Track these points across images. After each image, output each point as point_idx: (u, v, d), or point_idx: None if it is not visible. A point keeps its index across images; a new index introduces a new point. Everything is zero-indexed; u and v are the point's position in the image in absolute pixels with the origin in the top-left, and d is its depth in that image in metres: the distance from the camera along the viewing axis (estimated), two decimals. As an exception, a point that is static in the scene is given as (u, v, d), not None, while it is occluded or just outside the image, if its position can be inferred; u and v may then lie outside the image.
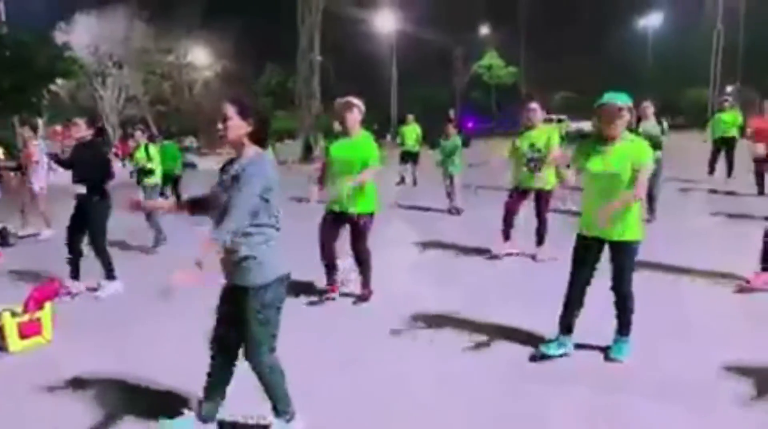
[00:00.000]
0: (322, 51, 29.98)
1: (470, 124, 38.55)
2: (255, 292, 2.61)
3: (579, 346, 3.67)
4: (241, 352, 2.72)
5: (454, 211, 9.34)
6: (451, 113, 39.36)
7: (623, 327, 3.56)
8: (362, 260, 4.85)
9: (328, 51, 34.38)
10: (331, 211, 4.77)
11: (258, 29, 35.83)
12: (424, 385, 3.38)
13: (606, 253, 3.50)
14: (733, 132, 10.97)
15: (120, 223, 5.86)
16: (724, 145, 11.05)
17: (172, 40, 36.68)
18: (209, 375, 2.82)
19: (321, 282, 5.08)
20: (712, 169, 11.17)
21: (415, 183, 13.40)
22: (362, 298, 4.92)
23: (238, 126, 2.60)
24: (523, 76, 45.98)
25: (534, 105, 5.90)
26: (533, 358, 3.64)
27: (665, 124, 7.77)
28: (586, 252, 3.52)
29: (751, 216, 7.75)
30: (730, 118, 11.03)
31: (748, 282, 4.75)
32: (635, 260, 3.46)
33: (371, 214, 4.75)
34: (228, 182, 2.59)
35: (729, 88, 34.98)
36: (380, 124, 33.52)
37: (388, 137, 29.73)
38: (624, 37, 44.81)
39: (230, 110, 2.59)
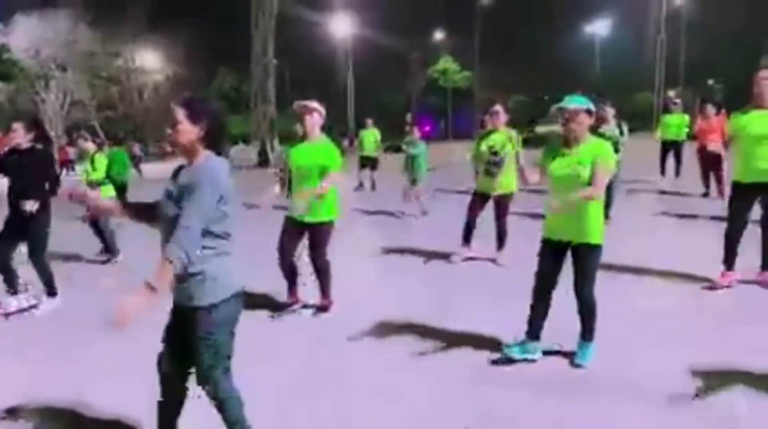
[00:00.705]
0: (277, 54, 29.54)
1: (427, 128, 38.82)
2: (205, 312, 2.40)
3: (548, 353, 3.61)
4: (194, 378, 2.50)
5: (419, 214, 9.29)
6: (408, 117, 39.55)
7: (587, 332, 3.52)
8: (321, 270, 4.66)
9: (283, 55, 33.96)
10: (290, 219, 4.57)
11: (210, 33, 35.15)
12: (391, 394, 3.25)
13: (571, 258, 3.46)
14: (680, 135, 11.33)
15: (66, 232, 5.50)
16: (672, 147, 11.40)
17: (119, 44, 35.53)
18: (160, 404, 2.59)
19: (281, 294, 4.87)
20: (663, 170, 11.50)
21: (373, 188, 13.29)
22: (322, 309, 4.75)
23: (188, 131, 2.40)
24: (478, 81, 46.69)
25: (498, 108, 5.87)
26: (495, 362, 3.58)
27: (624, 127, 7.89)
28: (550, 257, 3.48)
29: (699, 216, 7.99)
30: (676, 121, 11.40)
31: (711, 282, 4.82)
32: (599, 263, 3.43)
33: (331, 222, 4.58)
34: (178, 192, 2.37)
35: (671, 92, 36.52)
36: (338, 129, 33.34)
37: (346, 142, 29.58)
38: (573, 43, 46.22)
39: (180, 114, 2.40)
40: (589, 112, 3.32)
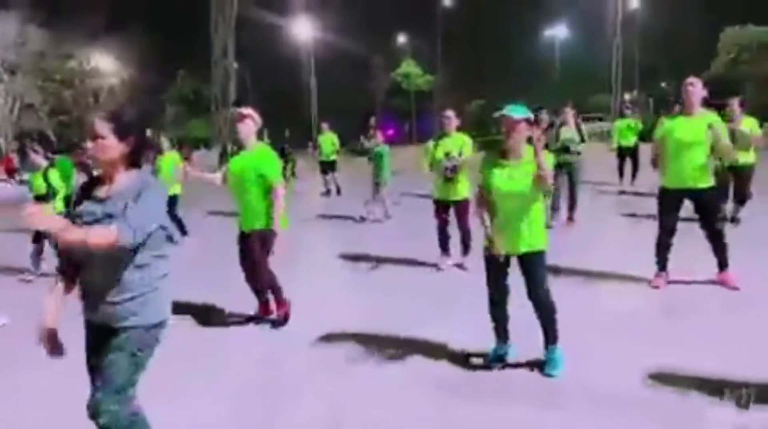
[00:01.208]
0: (238, 57, 29.19)
1: (390, 132, 38.86)
2: (143, 331, 2.30)
3: (515, 366, 3.58)
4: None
5: (383, 218, 9.23)
6: (372, 121, 39.42)
7: (550, 336, 3.48)
8: (264, 285, 4.46)
9: (244, 58, 33.51)
10: (240, 232, 4.44)
11: (168, 35, 34.33)
12: (355, 406, 3.16)
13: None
14: (634, 139, 11.62)
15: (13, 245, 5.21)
16: (628, 151, 11.67)
17: (72, 45, 34.31)
18: None
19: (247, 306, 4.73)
20: (621, 174, 11.76)
21: (338, 192, 13.20)
22: (278, 322, 4.52)
23: (112, 146, 2.25)
24: (440, 85, 47.04)
25: (449, 113, 5.86)
26: (484, 366, 3.56)
27: (584, 130, 8.00)
28: (497, 267, 3.45)
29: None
30: (630, 126, 11.69)
31: (655, 285, 4.89)
32: (546, 267, 3.42)
33: (271, 231, 4.31)
34: (107, 212, 2.21)
35: (627, 96, 37.55)
36: (301, 133, 33.06)
37: (310, 146, 29.35)
38: (533, 47, 47.07)
39: (104, 128, 2.24)
40: (528, 121, 3.28)
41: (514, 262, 3.46)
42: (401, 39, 48.89)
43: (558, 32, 46.52)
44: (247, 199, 4.31)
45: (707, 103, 4.77)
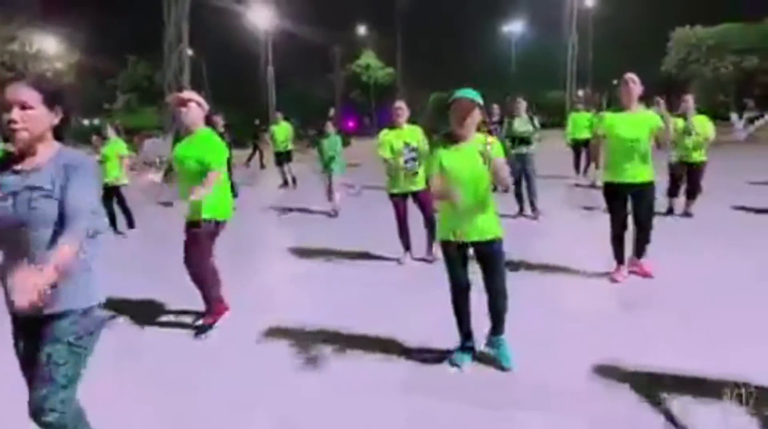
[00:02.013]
0: (193, 44, 28.27)
1: (351, 124, 38.61)
2: (73, 317, 2.09)
3: (482, 360, 3.51)
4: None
5: (333, 212, 9.03)
6: (331, 112, 39.03)
7: (497, 325, 3.41)
8: (198, 280, 4.15)
9: (199, 45, 32.50)
10: (185, 223, 4.17)
11: (118, 18, 32.98)
12: (317, 407, 3.02)
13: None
14: (588, 132, 11.81)
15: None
16: (582, 145, 11.87)
17: (14, 27, 32.49)
18: None
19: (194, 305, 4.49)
20: (577, 168, 11.95)
21: (294, 183, 12.94)
22: (204, 326, 4.17)
23: (42, 117, 2.03)
24: (400, 77, 46.99)
25: (401, 104, 5.74)
26: (451, 363, 3.47)
27: (536, 120, 8.03)
28: (454, 256, 3.37)
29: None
30: (584, 120, 11.89)
31: (614, 279, 4.93)
32: (503, 255, 3.34)
33: (214, 222, 4.07)
34: (36, 194, 1.99)
35: (580, 92, 38.43)
36: (258, 122, 32.38)
37: (267, 136, 28.81)
38: (491, 42, 47.58)
39: (32, 97, 2.00)
40: (480, 107, 3.22)
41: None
42: (361, 30, 48.49)
43: (514, 28, 47.14)
44: (190, 186, 4.02)
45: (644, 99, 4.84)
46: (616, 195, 4.82)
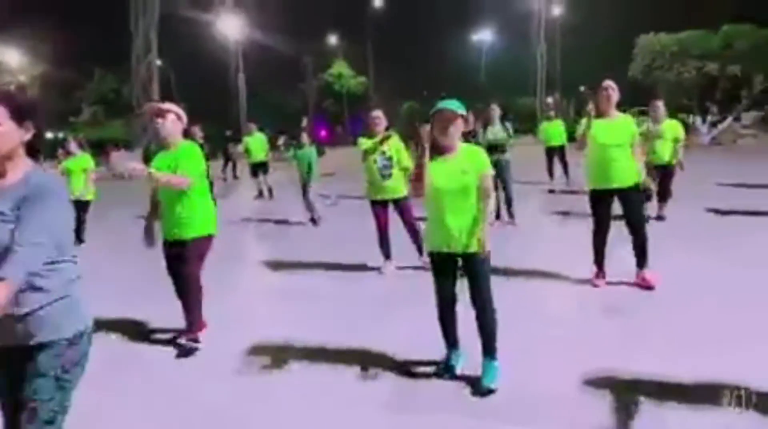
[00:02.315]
0: (162, 55, 27.88)
1: (323, 133, 38.47)
2: (57, 348, 1.95)
3: (466, 375, 3.46)
4: None
5: (314, 221, 8.95)
6: (304, 122, 38.84)
7: (489, 346, 3.32)
8: (186, 296, 4.04)
9: (168, 56, 32.07)
10: (165, 241, 4.05)
11: (84, 29, 32.31)
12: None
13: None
14: (561, 139, 12.03)
15: None
16: (555, 152, 12.07)
17: (-26, 39, 31.59)
18: None
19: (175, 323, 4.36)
20: (551, 174, 12.12)
21: (270, 194, 12.79)
22: (186, 350, 4.00)
23: (11, 133, 1.91)
24: (373, 86, 47.16)
25: (378, 113, 5.73)
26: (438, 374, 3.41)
27: (510, 127, 8.08)
28: (441, 269, 3.32)
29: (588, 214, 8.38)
30: (555, 128, 12.11)
31: (595, 284, 4.95)
32: (490, 271, 3.29)
33: (205, 238, 3.98)
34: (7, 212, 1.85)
35: (549, 99, 39.14)
36: (230, 133, 32.05)
37: (239, 147, 28.51)
38: (461, 50, 48.14)
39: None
40: (464, 117, 3.21)
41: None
42: (332, 40, 48.53)
43: (484, 37, 47.82)
44: (173, 205, 3.92)
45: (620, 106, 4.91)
46: (601, 201, 4.84)
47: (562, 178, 11.88)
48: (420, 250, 5.77)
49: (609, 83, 4.74)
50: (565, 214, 8.64)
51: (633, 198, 4.77)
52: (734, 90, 25.60)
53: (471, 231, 3.22)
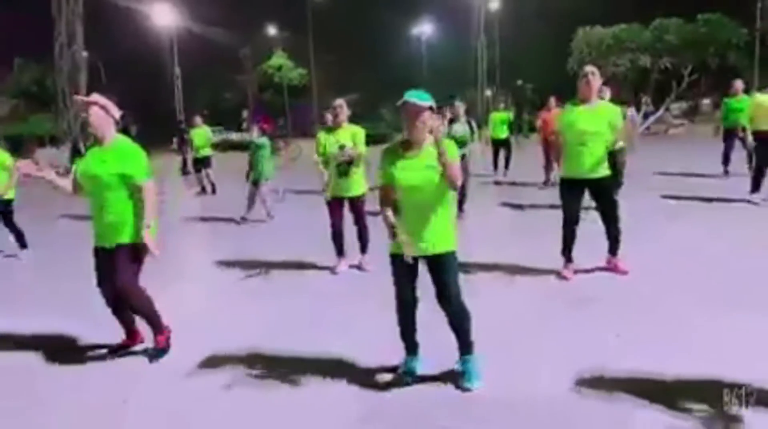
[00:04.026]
0: (90, 46, 26.27)
1: (265, 125, 37.40)
2: None
3: (430, 378, 3.23)
4: None
5: (270, 217, 8.54)
6: (244, 114, 37.91)
7: (464, 345, 3.15)
8: (136, 306, 3.64)
9: (97, 46, 30.27)
10: (96, 249, 3.63)
11: (1, 16, 29.96)
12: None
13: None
14: (506, 131, 12.05)
15: None
16: (500, 143, 12.06)
17: None
18: None
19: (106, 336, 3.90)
20: (496, 165, 12.10)
21: (213, 190, 12.19)
22: (157, 350, 3.73)
23: None
24: (314, 78, 46.41)
25: (340, 102, 5.38)
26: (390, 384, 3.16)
27: (473, 123, 8.02)
28: (403, 271, 3.06)
29: (537, 205, 8.41)
30: (503, 119, 12.11)
31: (564, 276, 4.85)
32: (457, 269, 3.08)
33: (142, 245, 3.54)
34: None
35: (488, 92, 39.73)
36: (163, 129, 30.65)
37: (174, 142, 27.26)
38: (402, 43, 48.14)
39: None
40: (432, 109, 2.98)
41: (423, 267, 3.09)
42: (271, 31, 47.32)
43: (424, 30, 47.96)
44: (108, 208, 3.50)
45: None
46: (571, 190, 4.72)
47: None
48: (364, 250, 5.52)
49: (590, 68, 4.61)
50: (517, 206, 8.62)
51: (605, 188, 4.70)
52: (665, 82, 26.76)
53: (438, 230, 3.00)
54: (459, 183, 2.99)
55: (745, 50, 25.60)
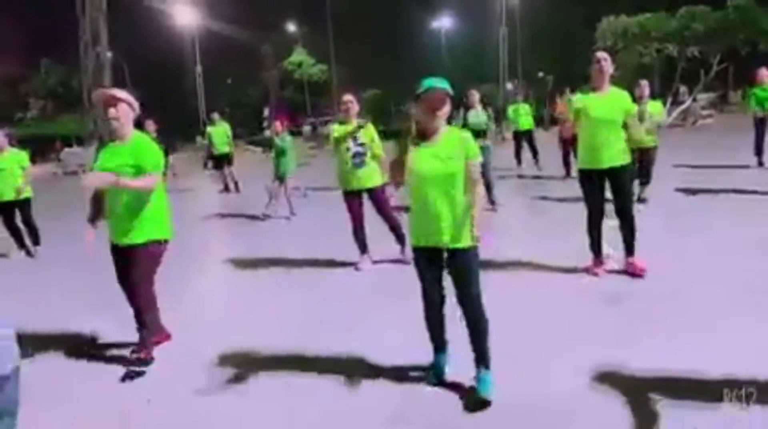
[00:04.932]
0: (114, 45, 26.65)
1: (286, 122, 37.48)
2: None
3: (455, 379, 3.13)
4: None
5: (291, 215, 8.53)
6: (265, 112, 38.08)
7: (481, 356, 2.97)
8: (138, 307, 3.58)
9: (121, 46, 30.71)
10: (114, 246, 3.59)
11: (28, 18, 30.57)
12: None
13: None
14: (529, 123, 11.82)
15: None
16: (524, 136, 11.82)
17: None
18: None
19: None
20: (519, 160, 11.89)
21: (237, 188, 12.22)
22: (140, 360, 3.54)
23: None
24: (335, 74, 46.43)
25: (349, 97, 5.32)
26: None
27: (490, 111, 7.86)
28: (427, 265, 2.98)
29: (563, 199, 8.23)
30: (525, 111, 11.86)
31: (593, 273, 4.70)
32: (478, 267, 2.96)
33: (158, 242, 3.53)
34: None
35: (509, 85, 39.18)
36: (187, 126, 31.02)
37: (198, 140, 27.54)
38: (421, 37, 47.79)
39: None
40: (451, 97, 2.87)
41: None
42: (291, 28, 47.45)
43: (444, 23, 47.60)
44: (125, 204, 3.47)
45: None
46: (592, 181, 4.57)
47: (532, 163, 11.64)
48: (401, 242, 5.44)
49: (602, 55, 4.47)
50: (543, 199, 8.46)
51: (623, 179, 4.54)
52: (693, 71, 26.09)
53: (458, 223, 2.89)
54: (477, 182, 2.91)
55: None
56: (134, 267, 3.49)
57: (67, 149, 26.05)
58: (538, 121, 16.51)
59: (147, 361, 3.55)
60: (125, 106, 3.53)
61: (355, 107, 5.30)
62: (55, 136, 29.11)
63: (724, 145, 13.78)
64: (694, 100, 26.73)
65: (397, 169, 2.82)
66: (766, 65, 9.67)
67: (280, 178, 8.58)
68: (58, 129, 33.75)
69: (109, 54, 25.03)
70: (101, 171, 3.47)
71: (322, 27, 44.37)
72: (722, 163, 10.42)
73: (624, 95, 4.54)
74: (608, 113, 4.41)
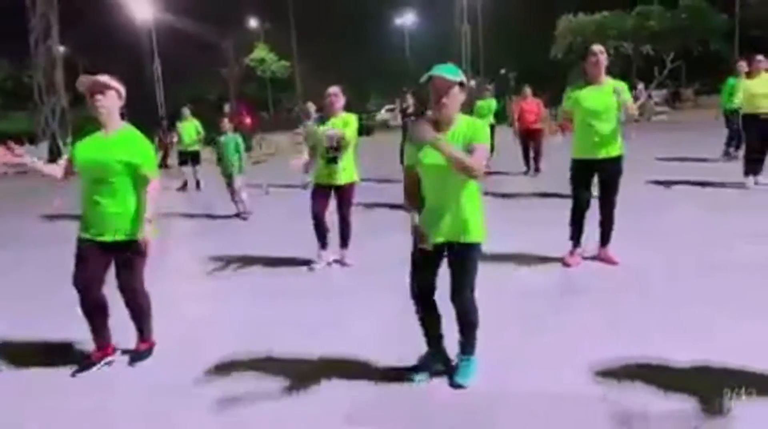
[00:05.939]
0: (67, 40, 25.73)
1: (248, 120, 36.86)
2: None
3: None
4: None
5: (244, 216, 8.29)
6: (227, 108, 37.33)
7: (467, 344, 3.02)
8: (135, 305, 3.52)
9: (74, 41, 29.72)
10: (85, 241, 3.37)
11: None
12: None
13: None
14: (491, 119, 12.00)
15: None
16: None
17: None
18: None
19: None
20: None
21: (198, 187, 11.89)
22: (138, 353, 3.56)
23: None
24: (298, 71, 45.98)
25: (335, 90, 5.16)
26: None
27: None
28: (427, 259, 2.92)
29: (526, 194, 8.35)
30: (489, 106, 12.04)
31: (567, 263, 4.79)
32: (477, 265, 2.92)
33: (142, 242, 3.36)
34: None
35: (473, 82, 39.53)
36: (145, 124, 30.14)
37: (155, 140, 26.75)
38: (385, 33, 47.89)
39: None
40: (462, 85, 2.79)
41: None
42: (252, 23, 46.76)
43: (407, 19, 47.78)
44: (109, 198, 3.29)
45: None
46: (584, 173, 4.65)
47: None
48: (345, 245, 5.37)
49: (598, 47, 4.52)
50: (505, 196, 8.54)
51: (616, 170, 4.63)
52: (647, 69, 26.88)
53: (463, 216, 2.83)
54: (478, 173, 2.73)
55: (727, 37, 25.79)
56: (130, 265, 3.41)
57: (17, 147, 24.98)
58: (502, 117, 16.70)
59: (148, 352, 3.60)
60: (113, 94, 3.34)
61: (340, 101, 5.13)
62: (4, 134, 27.94)
63: (685, 140, 14.25)
64: (649, 96, 27.56)
65: (410, 198, 2.89)
66: (718, 63, 9.93)
67: (228, 176, 8.28)
68: (10, 126, 32.39)
69: (61, 49, 24.14)
70: (92, 162, 3.27)
71: (284, 23, 43.85)
72: (685, 155, 10.77)
73: (620, 84, 4.56)
74: (604, 104, 4.49)
